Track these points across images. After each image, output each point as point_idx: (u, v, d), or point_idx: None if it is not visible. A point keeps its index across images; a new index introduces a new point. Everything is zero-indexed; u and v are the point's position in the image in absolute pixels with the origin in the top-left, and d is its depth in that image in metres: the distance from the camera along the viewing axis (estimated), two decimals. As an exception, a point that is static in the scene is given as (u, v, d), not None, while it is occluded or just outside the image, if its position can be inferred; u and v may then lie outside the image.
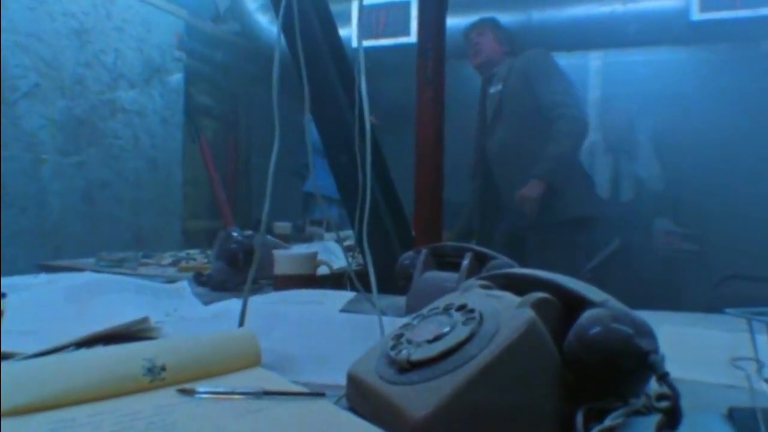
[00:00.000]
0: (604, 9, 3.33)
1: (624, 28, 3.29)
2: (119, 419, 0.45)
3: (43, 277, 1.20)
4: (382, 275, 0.84)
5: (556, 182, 2.26)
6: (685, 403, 0.42)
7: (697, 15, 3.13)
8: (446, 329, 0.51)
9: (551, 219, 2.25)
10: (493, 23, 2.55)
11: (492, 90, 2.43)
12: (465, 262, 0.93)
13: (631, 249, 2.97)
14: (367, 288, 0.82)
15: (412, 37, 3.48)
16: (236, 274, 1.26)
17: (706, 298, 2.65)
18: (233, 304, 0.99)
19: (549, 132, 2.25)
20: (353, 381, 0.54)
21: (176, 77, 3.66)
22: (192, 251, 2.02)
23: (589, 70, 3.95)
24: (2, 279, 1.12)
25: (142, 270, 1.60)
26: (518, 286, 0.57)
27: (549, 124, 2.26)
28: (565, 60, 3.73)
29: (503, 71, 2.40)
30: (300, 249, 1.45)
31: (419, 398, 0.45)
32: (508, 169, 2.37)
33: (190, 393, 0.51)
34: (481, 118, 2.54)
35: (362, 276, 0.87)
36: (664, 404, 0.42)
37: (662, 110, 3.45)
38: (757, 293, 2.35)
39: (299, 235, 2.82)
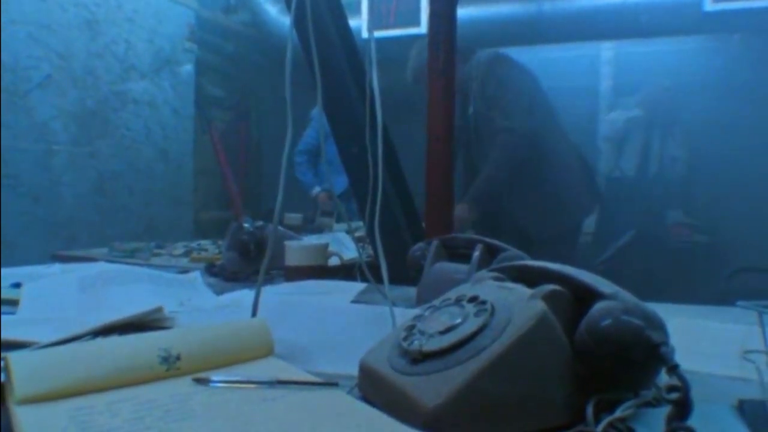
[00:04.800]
0: (616, -1, 3.30)
1: (636, 18, 3.26)
2: (137, 407, 0.46)
3: (56, 267, 1.21)
4: (393, 266, 0.84)
5: (490, 205, 2.13)
6: (695, 395, 0.42)
7: (710, 5, 3.09)
8: (458, 320, 0.51)
9: (554, 229, 2.15)
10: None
11: (469, 111, 2.21)
12: (476, 254, 0.93)
13: (643, 241, 2.96)
14: (378, 279, 0.82)
15: (423, 28, 3.47)
16: (248, 264, 1.27)
17: (718, 290, 2.64)
18: (245, 295, 1.00)
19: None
20: (365, 371, 0.55)
21: (187, 68, 3.67)
22: (203, 242, 2.03)
23: (601, 60, 3.92)
24: (17, 269, 1.13)
25: (155, 260, 1.61)
26: (530, 278, 0.57)
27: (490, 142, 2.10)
28: (575, 50, 3.72)
29: (474, 88, 2.16)
30: (311, 240, 1.46)
31: (431, 388, 0.46)
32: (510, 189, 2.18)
33: (205, 382, 0.52)
34: (464, 136, 2.28)
35: (373, 267, 0.88)
36: (674, 396, 0.42)
37: (675, 101, 3.42)
38: (769, 286, 2.34)
39: (309, 226, 2.83)
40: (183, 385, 0.52)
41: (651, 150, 3.26)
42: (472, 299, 0.54)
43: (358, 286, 1.08)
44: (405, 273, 1.07)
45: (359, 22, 3.37)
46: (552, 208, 2.13)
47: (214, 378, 0.53)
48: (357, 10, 3.49)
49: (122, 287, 0.96)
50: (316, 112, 0.89)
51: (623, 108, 3.43)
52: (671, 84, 3.36)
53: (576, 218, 2.24)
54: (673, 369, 0.44)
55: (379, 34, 3.52)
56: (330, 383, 0.54)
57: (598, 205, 2.36)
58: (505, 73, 2.14)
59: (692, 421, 0.42)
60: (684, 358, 0.47)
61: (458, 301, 0.55)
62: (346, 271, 1.31)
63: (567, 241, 2.20)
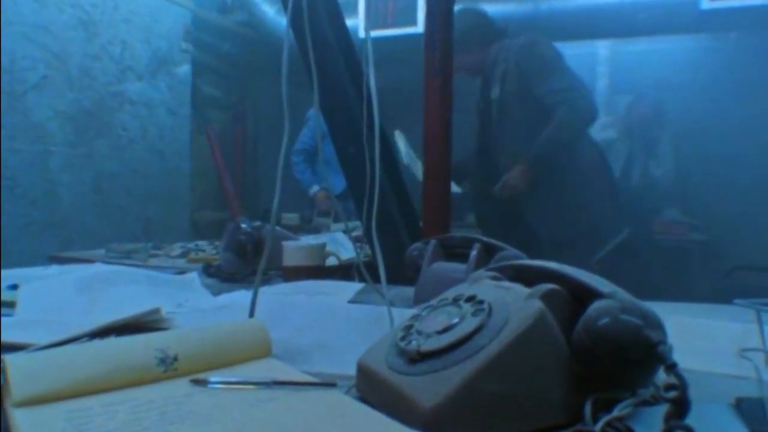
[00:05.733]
0: (613, -3, 3.30)
1: (633, 16, 3.26)
2: (134, 409, 0.46)
3: (54, 269, 1.21)
4: (390, 266, 0.84)
5: (544, 172, 2.07)
6: (693, 394, 0.42)
7: (707, 4, 3.09)
8: (455, 320, 0.51)
9: (571, 230, 2.12)
10: (470, 37, 2.18)
11: (492, 95, 2.19)
12: (473, 253, 0.93)
13: (639, 239, 2.95)
14: (376, 279, 0.82)
15: (419, 27, 3.47)
16: (245, 265, 1.27)
17: (715, 288, 2.65)
18: (242, 295, 1.00)
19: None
20: (363, 371, 0.55)
21: (183, 69, 3.66)
22: (201, 242, 2.03)
23: (597, 59, 3.92)
24: (14, 271, 1.13)
25: (152, 261, 1.61)
26: (527, 277, 0.57)
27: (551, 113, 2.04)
28: (572, 49, 3.71)
29: (498, 72, 2.16)
30: (308, 240, 1.45)
31: (429, 388, 0.46)
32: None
33: (202, 383, 0.52)
34: (481, 122, 2.28)
35: (370, 267, 0.87)
36: (672, 394, 0.43)
37: (671, 100, 3.42)
38: (766, 284, 2.34)
39: (307, 226, 2.83)
40: (180, 386, 0.52)
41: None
42: (470, 299, 0.54)
43: (356, 286, 1.08)
44: (402, 273, 1.07)
45: (356, 22, 3.37)
46: (571, 208, 2.11)
47: (212, 379, 0.53)
48: (354, 10, 3.49)
49: (119, 288, 0.96)
50: (313, 113, 0.89)
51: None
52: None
53: (595, 221, 2.19)
54: (671, 368, 0.44)
55: (376, 33, 3.53)
56: (328, 384, 0.54)
57: (617, 207, 2.31)
58: (549, 52, 2.13)
59: (690, 420, 0.42)
60: (682, 357, 0.47)
61: (456, 301, 0.55)
62: (343, 271, 1.31)
63: (583, 245, 2.16)
